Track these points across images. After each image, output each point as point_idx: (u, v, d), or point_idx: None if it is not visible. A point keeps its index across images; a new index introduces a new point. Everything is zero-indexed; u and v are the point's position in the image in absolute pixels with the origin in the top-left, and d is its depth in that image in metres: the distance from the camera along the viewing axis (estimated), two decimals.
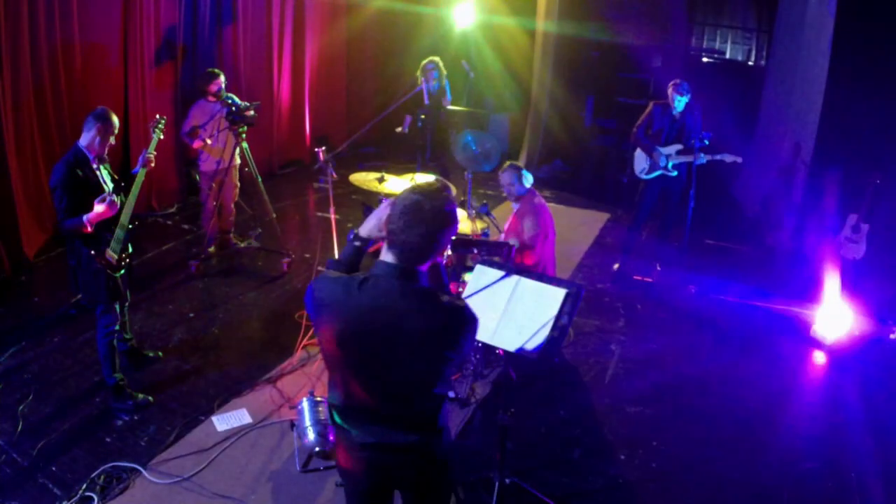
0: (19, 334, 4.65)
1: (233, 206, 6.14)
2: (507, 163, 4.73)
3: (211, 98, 5.69)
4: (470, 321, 2.03)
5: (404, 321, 1.98)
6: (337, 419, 2.20)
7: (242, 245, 6.28)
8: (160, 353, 4.51)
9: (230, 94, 5.67)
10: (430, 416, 2.16)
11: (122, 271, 3.85)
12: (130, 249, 3.94)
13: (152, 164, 3.95)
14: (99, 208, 3.55)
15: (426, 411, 2.14)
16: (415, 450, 2.17)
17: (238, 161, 5.94)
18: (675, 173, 5.71)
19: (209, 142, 5.72)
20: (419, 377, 2.06)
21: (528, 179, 4.64)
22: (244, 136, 5.62)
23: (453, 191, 2.10)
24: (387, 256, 2.04)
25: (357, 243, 2.25)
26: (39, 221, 5.88)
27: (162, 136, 4.08)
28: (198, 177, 6.15)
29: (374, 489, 2.31)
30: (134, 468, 3.50)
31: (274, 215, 6.01)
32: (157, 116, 4.16)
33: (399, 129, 7.03)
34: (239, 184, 6.18)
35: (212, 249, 6.07)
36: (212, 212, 5.88)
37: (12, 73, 5.34)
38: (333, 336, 2.05)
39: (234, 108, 5.50)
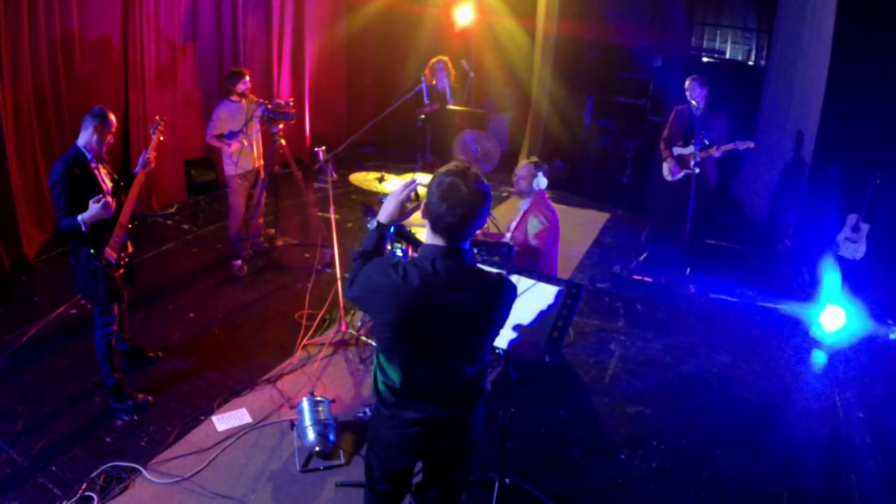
0: (19, 334, 4.65)
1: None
2: (534, 158, 4.64)
3: (235, 98, 5.58)
4: (513, 289, 2.27)
5: (460, 297, 2.14)
6: (390, 398, 2.29)
7: (280, 243, 6.34)
8: (160, 353, 4.51)
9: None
10: (478, 382, 2.34)
11: (121, 270, 3.85)
12: (130, 249, 3.95)
13: (152, 165, 3.96)
14: (94, 209, 3.55)
15: (475, 379, 2.31)
16: (458, 422, 2.33)
17: (261, 162, 5.92)
18: (697, 171, 5.80)
19: (246, 143, 5.67)
20: (471, 347, 2.24)
21: (542, 182, 4.54)
22: (282, 133, 5.65)
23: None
24: (434, 239, 2.17)
25: (379, 231, 2.35)
26: (39, 221, 5.88)
27: (162, 138, 4.09)
28: (241, 179, 5.88)
29: (408, 463, 2.44)
30: (134, 468, 3.50)
31: (319, 212, 6.04)
32: (157, 118, 4.16)
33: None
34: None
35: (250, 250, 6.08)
36: (242, 213, 5.85)
37: (12, 73, 5.34)
38: (392, 320, 2.16)
39: (271, 106, 5.53)
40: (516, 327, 2.97)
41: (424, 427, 2.30)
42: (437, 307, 2.14)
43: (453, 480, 2.52)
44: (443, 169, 2.16)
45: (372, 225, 2.36)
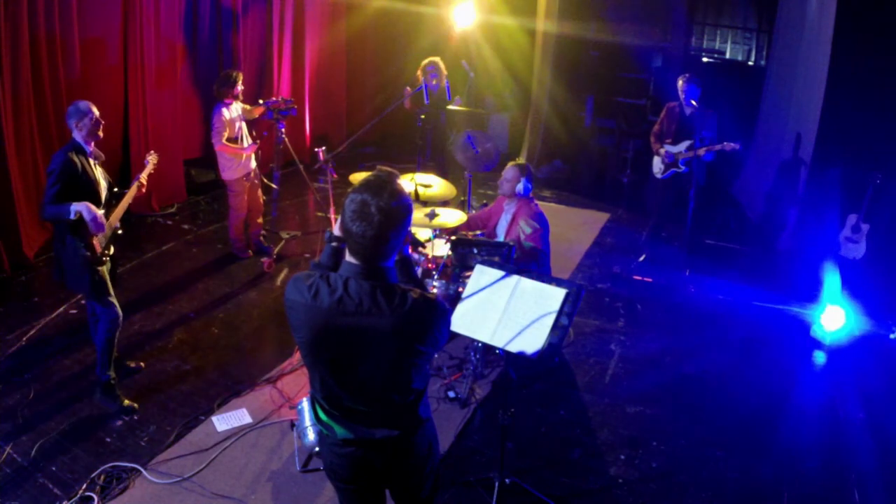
0: (19, 334, 4.65)
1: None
2: (521, 161, 4.64)
3: (228, 100, 5.56)
4: (441, 314, 2.03)
5: (373, 320, 1.97)
6: (321, 415, 2.19)
7: (289, 237, 6.44)
8: (142, 364, 4.40)
9: None
10: (411, 409, 2.17)
11: (103, 265, 3.82)
12: (112, 250, 3.93)
13: (143, 190, 4.07)
14: (88, 211, 3.56)
15: (406, 406, 2.15)
16: (396, 444, 2.17)
17: (254, 164, 5.93)
18: (685, 170, 5.80)
19: (257, 144, 5.75)
20: (394, 374, 2.05)
21: (527, 188, 4.54)
22: (285, 130, 5.76)
23: (400, 178, 2.02)
24: (351, 258, 2.02)
25: (334, 244, 2.20)
26: (39, 221, 5.88)
27: (153, 169, 4.20)
28: (245, 181, 5.84)
29: (361, 486, 2.30)
30: (134, 468, 3.50)
31: (318, 212, 6.07)
32: (151, 153, 4.26)
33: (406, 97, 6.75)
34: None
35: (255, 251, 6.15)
36: (244, 214, 5.89)
37: (12, 73, 5.34)
38: (305, 338, 2.04)
39: (275, 105, 5.61)
40: (516, 328, 2.97)
41: (358, 448, 2.15)
42: (347, 330, 1.98)
43: (418, 498, 2.39)
44: (360, 182, 1.97)
45: (327, 237, 2.20)
